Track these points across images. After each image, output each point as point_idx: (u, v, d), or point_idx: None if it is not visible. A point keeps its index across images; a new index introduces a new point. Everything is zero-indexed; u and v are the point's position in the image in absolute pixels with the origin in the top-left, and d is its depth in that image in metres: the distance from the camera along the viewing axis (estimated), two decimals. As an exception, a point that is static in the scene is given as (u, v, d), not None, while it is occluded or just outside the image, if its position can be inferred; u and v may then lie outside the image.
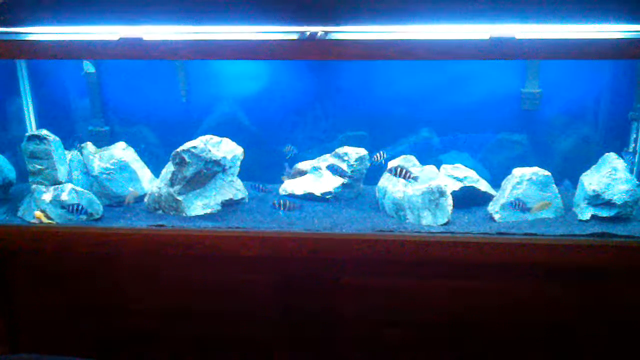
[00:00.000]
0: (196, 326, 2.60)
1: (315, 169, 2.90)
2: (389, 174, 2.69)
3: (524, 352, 2.50)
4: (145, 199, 2.74)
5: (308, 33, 2.28)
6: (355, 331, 2.55)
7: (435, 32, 2.25)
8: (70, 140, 2.86)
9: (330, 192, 2.80)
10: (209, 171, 2.67)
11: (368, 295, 2.48)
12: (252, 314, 2.56)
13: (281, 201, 2.58)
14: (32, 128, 3.02)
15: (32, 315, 2.65)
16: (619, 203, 2.46)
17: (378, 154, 2.72)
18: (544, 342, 2.48)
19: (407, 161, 2.74)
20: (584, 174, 2.62)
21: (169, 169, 2.70)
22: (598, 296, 2.38)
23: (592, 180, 2.54)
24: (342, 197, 2.82)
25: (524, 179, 2.55)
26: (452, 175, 2.71)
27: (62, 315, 2.64)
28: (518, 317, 2.45)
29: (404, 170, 2.49)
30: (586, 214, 2.52)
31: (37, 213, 2.57)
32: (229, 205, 2.73)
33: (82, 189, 2.64)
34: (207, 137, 2.69)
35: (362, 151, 2.84)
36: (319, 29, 2.29)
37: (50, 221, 2.57)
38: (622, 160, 2.54)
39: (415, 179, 2.51)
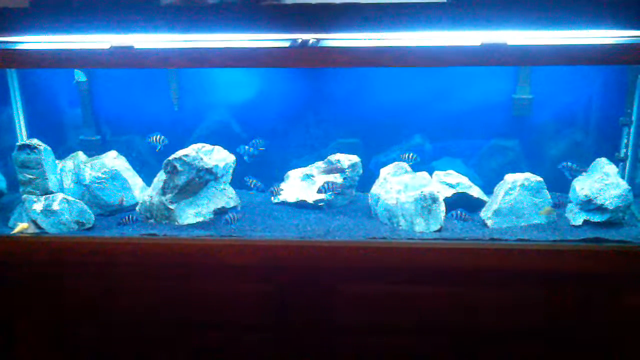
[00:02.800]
0: (190, 335, 2.58)
1: (308, 176, 2.89)
2: (383, 181, 2.69)
3: (520, 357, 2.50)
4: (137, 208, 2.73)
5: (300, 40, 2.28)
6: (351, 339, 2.54)
7: (427, 39, 2.26)
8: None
9: (322, 200, 2.79)
10: (201, 179, 2.66)
11: (362, 302, 2.48)
12: (247, 323, 2.55)
13: (231, 215, 2.58)
14: (22, 137, 3.00)
15: (27, 325, 2.62)
16: (611, 208, 2.47)
17: (409, 154, 2.71)
18: (539, 348, 2.47)
19: (400, 168, 2.74)
20: (576, 179, 2.63)
21: (160, 177, 2.69)
22: (592, 301, 2.38)
23: (584, 185, 2.54)
24: (334, 204, 2.81)
25: (516, 185, 2.56)
26: (445, 182, 2.71)
27: (56, 325, 2.61)
28: (512, 322, 2.44)
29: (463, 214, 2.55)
30: (578, 219, 2.52)
31: (21, 225, 2.56)
32: (221, 214, 2.72)
33: (74, 199, 2.62)
34: (199, 145, 2.68)
35: (355, 158, 2.84)
36: (310, 36, 2.29)
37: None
38: (613, 166, 2.56)
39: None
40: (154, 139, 2.70)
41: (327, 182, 2.71)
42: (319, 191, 2.74)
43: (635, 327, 2.40)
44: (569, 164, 2.60)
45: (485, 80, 2.80)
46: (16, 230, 2.56)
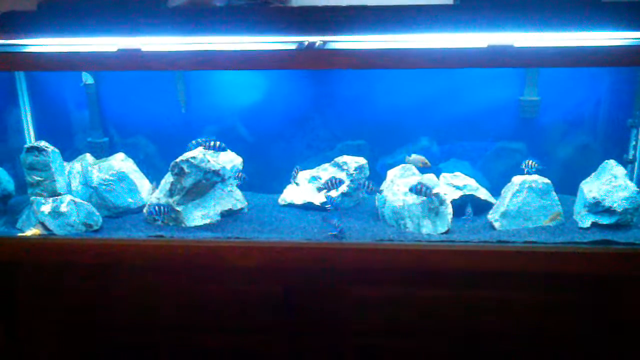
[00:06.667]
0: (196, 337, 2.59)
1: (315, 178, 2.89)
2: (389, 183, 2.69)
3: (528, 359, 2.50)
4: (145, 210, 2.73)
5: (306, 43, 2.28)
6: (358, 341, 2.53)
7: (434, 41, 2.26)
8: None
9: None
10: (208, 181, 2.67)
11: (369, 304, 2.47)
12: (253, 325, 2.55)
13: (335, 222, 2.52)
14: (31, 139, 3.01)
15: (33, 327, 2.63)
16: (619, 210, 2.45)
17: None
18: (545, 351, 2.46)
19: (407, 170, 2.74)
20: (583, 181, 2.62)
21: (168, 179, 2.70)
22: (599, 304, 2.37)
23: (592, 187, 2.53)
24: (341, 207, 2.81)
25: (524, 187, 2.55)
26: (452, 184, 2.70)
27: (63, 327, 2.62)
28: (519, 325, 2.44)
29: (424, 188, 2.49)
30: (586, 221, 2.51)
31: (32, 230, 2.57)
32: (228, 216, 2.73)
33: (81, 200, 2.63)
34: (206, 147, 2.69)
35: (362, 160, 2.84)
36: (317, 39, 2.29)
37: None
38: (622, 167, 2.54)
39: (437, 195, 2.51)
40: (211, 144, 2.68)
41: (333, 177, 2.69)
42: (319, 189, 2.74)
43: (644, 330, 2.40)
44: (531, 161, 2.62)
45: (492, 82, 2.80)
46: (27, 233, 2.56)
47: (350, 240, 2.47)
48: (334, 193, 2.73)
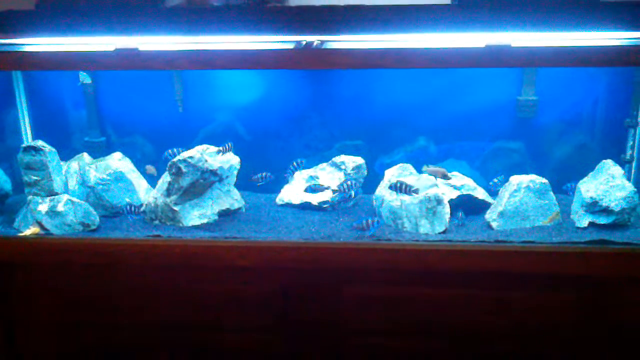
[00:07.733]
0: (194, 338, 2.58)
1: (312, 177, 2.89)
2: (387, 183, 2.69)
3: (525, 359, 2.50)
4: (142, 210, 2.73)
5: (304, 42, 2.28)
6: (356, 340, 2.53)
7: (431, 41, 2.26)
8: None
9: (327, 201, 2.79)
10: (205, 181, 2.66)
11: (366, 304, 2.47)
12: (251, 325, 2.54)
13: (366, 222, 2.48)
14: (28, 139, 3.01)
15: (30, 327, 2.63)
16: (616, 210, 2.46)
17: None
18: (542, 351, 2.47)
19: (404, 169, 2.74)
20: (581, 181, 2.62)
21: (165, 179, 2.69)
22: (596, 304, 2.38)
23: (589, 187, 2.53)
24: (339, 206, 2.81)
25: (522, 187, 2.55)
26: (450, 184, 2.70)
27: (60, 328, 2.62)
28: (516, 325, 2.44)
29: (404, 186, 2.50)
30: (584, 221, 2.51)
31: (31, 229, 2.56)
32: (226, 215, 2.72)
33: (79, 200, 2.63)
34: (204, 146, 2.69)
35: (359, 160, 2.84)
36: (314, 38, 2.29)
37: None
38: (619, 167, 2.55)
39: (415, 191, 2.51)
40: (226, 146, 2.70)
41: (350, 180, 2.71)
42: (334, 192, 2.74)
43: (641, 330, 2.40)
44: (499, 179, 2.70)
45: (489, 82, 2.80)
46: (26, 232, 2.56)
47: (348, 240, 2.47)
48: (328, 193, 2.74)
